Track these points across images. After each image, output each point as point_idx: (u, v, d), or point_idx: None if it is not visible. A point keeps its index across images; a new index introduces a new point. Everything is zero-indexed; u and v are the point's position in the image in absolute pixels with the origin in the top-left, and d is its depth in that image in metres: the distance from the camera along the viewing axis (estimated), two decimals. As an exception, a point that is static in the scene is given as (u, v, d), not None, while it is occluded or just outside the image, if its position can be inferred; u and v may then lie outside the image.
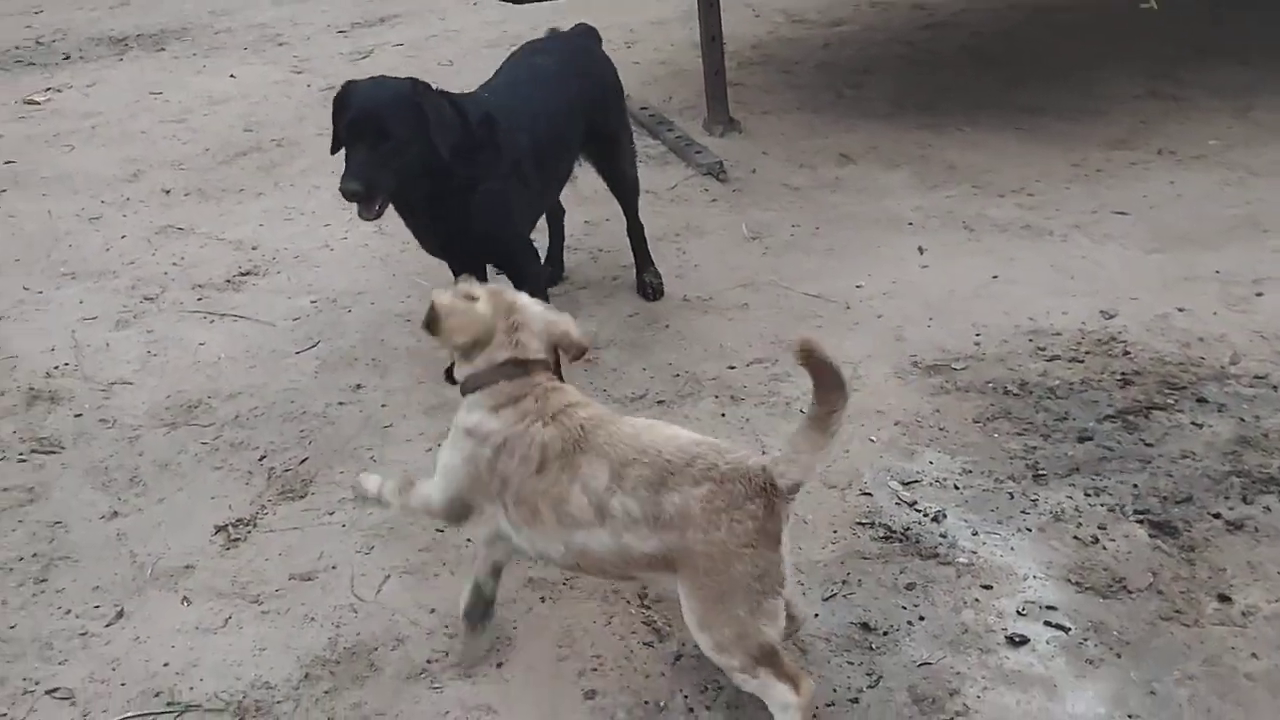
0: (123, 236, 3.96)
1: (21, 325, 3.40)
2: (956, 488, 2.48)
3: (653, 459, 1.83)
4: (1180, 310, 3.06)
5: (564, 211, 3.46)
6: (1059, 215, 3.65)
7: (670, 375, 2.97)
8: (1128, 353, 2.90)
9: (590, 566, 1.94)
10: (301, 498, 2.59)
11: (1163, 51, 4.93)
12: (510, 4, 4.27)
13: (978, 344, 3.01)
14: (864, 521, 2.39)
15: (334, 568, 2.37)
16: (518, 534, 1.95)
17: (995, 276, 3.33)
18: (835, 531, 2.36)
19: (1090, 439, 2.59)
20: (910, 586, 2.20)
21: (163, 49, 6.45)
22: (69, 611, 2.29)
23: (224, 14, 7.15)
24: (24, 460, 2.76)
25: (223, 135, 4.90)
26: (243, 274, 3.65)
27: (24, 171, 4.60)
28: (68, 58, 6.33)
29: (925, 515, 2.38)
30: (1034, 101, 4.59)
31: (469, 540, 2.34)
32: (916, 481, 2.51)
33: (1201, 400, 2.68)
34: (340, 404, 2.93)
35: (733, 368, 2.98)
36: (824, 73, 5.18)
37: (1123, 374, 2.81)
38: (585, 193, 3.82)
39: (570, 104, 2.99)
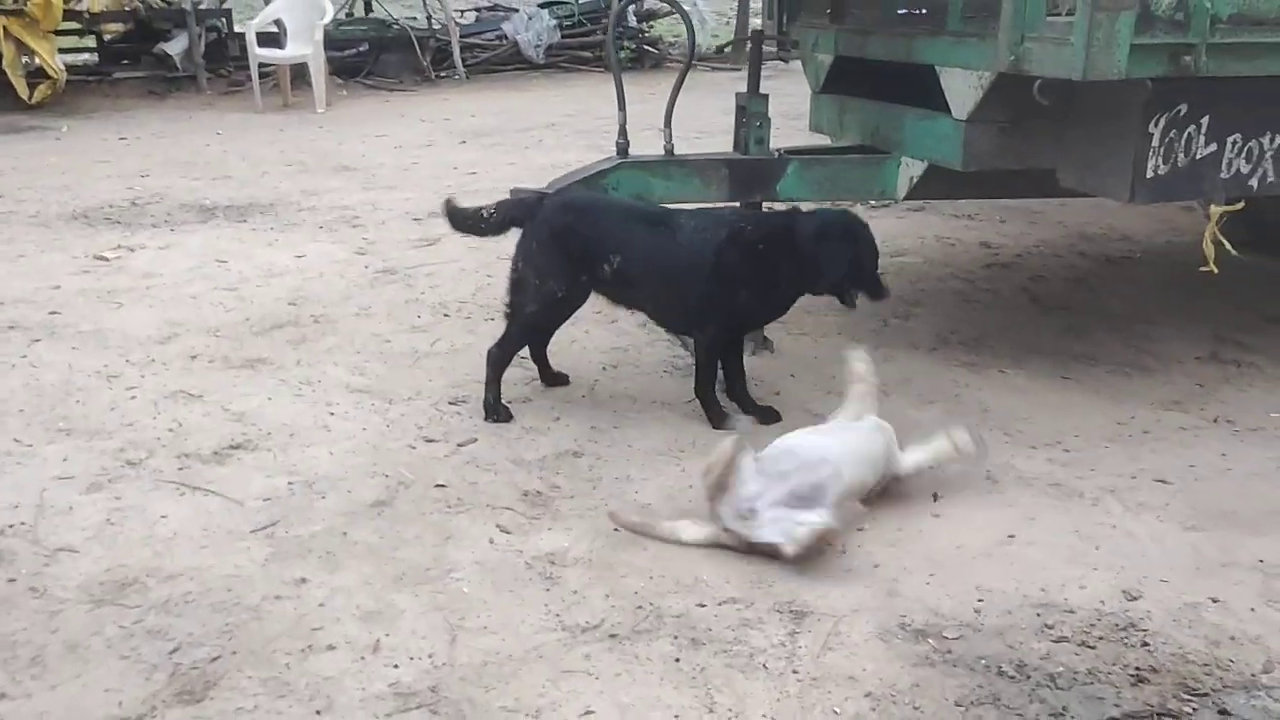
0: (132, 398, 3.93)
1: (-2, 478, 3.34)
2: (920, 784, 2.14)
3: None
4: (1213, 601, 2.70)
5: None
6: (1093, 476, 3.35)
7: (633, 606, 2.71)
8: (1146, 644, 2.54)
9: None
10: (198, 702, 2.36)
11: (1231, 316, 4.68)
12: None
13: (977, 611, 2.69)
14: (804, 812, 2.07)
15: (202, 791, 2.13)
16: None
17: (1012, 536, 3.03)
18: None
19: (1085, 744, 2.23)
20: None
21: (244, 220, 6.69)
22: (-96, 804, 2.08)
23: (314, 194, 7.45)
24: (-66, 623, 2.62)
25: (266, 307, 4.96)
26: (232, 446, 3.55)
27: (64, 324, 4.68)
28: (154, 222, 6.60)
29: (875, 815, 2.05)
30: (1087, 351, 4.36)
31: (353, 777, 2.08)
32: (876, 770, 2.18)
33: (1224, 713, 2.30)
34: (277, 598, 2.74)
35: (702, 605, 2.71)
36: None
37: (1137, 669, 2.45)
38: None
39: None
